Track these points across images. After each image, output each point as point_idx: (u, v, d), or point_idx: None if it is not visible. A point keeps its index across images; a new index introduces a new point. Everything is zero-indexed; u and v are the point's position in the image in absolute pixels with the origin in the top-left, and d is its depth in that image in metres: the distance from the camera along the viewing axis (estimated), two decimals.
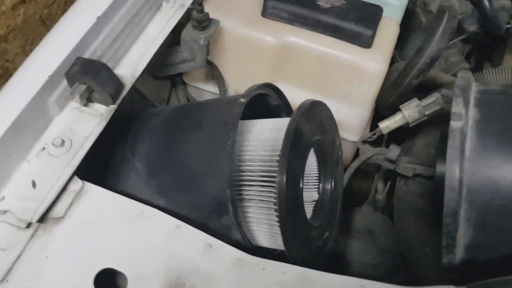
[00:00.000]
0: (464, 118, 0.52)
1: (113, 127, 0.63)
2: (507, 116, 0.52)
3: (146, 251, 0.50)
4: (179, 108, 0.72)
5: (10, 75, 0.98)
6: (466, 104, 0.53)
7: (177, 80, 0.90)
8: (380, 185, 0.84)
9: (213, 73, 0.83)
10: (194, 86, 0.90)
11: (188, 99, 0.91)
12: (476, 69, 1.19)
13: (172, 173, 0.63)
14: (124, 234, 0.51)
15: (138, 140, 0.67)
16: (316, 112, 0.64)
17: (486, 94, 0.55)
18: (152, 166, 0.64)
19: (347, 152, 0.84)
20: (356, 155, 0.82)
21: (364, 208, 0.82)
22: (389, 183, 0.83)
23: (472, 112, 0.53)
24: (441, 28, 0.75)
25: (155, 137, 0.67)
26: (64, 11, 0.65)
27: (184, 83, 0.90)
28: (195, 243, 0.51)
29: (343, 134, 0.80)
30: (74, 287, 0.48)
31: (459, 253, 0.51)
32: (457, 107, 0.52)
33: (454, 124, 0.51)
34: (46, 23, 1.27)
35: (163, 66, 0.78)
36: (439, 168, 0.56)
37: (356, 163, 0.78)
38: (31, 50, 1.06)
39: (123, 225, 0.52)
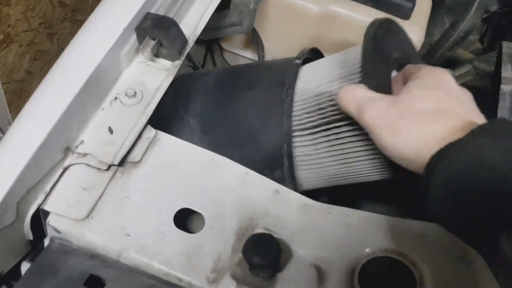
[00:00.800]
0: None
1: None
2: None
3: (220, 194, 0.54)
4: (232, 68, 0.76)
5: (12, 40, 0.98)
6: None
7: (214, 45, 0.93)
8: None
9: (254, 38, 0.86)
10: (231, 52, 0.93)
11: (225, 64, 0.94)
12: (488, 49, 1.25)
13: (226, 129, 0.67)
14: (198, 178, 0.55)
15: (192, 98, 0.70)
16: (393, 30, 0.56)
17: None
18: (206, 123, 0.67)
19: None
20: None
21: None
22: None
23: None
24: (476, 3, 0.79)
25: (208, 95, 0.70)
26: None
27: (221, 48, 0.93)
28: (264, 188, 0.55)
29: None
30: (155, 224, 0.51)
31: None
32: (506, 72, 0.57)
33: (505, 87, 0.56)
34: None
35: (211, 29, 0.81)
36: None
37: None
38: (32, 17, 1.06)
39: (196, 170, 0.55)
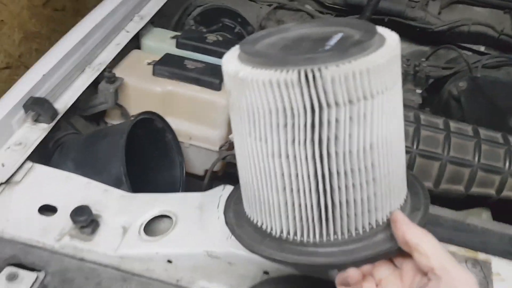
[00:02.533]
0: None
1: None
2: None
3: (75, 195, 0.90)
4: (96, 129, 1.15)
5: None
6: None
7: (100, 120, 1.33)
8: None
9: (122, 111, 1.27)
10: (111, 123, 1.33)
11: None
12: None
13: (89, 164, 1.04)
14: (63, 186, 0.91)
15: (69, 148, 1.08)
16: None
17: None
18: (77, 161, 1.05)
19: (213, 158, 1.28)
20: None
21: None
22: None
23: None
24: None
25: (80, 145, 1.09)
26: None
27: (105, 122, 1.33)
28: (99, 188, 0.91)
29: (209, 146, 1.25)
30: (23, 215, 0.86)
31: None
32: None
33: None
34: None
35: (88, 107, 1.21)
36: None
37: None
38: None
39: (57, 183, 0.92)
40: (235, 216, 0.67)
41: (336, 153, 0.52)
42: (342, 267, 0.55)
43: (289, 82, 0.49)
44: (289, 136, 0.51)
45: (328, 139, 0.51)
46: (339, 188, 0.54)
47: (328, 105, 0.50)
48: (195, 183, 1.32)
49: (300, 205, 0.56)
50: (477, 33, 1.57)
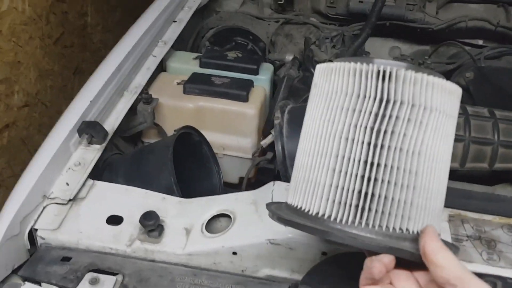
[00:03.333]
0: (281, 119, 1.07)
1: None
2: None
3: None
4: (141, 147, 1.24)
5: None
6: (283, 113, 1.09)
7: (138, 142, 1.42)
8: None
9: (158, 130, 1.36)
10: (149, 142, 1.42)
11: None
12: None
13: (139, 179, 1.13)
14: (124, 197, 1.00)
15: (118, 166, 1.17)
16: None
17: (292, 109, 1.11)
18: (127, 177, 1.14)
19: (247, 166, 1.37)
20: None
21: None
22: None
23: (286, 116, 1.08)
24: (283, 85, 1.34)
25: (128, 162, 1.18)
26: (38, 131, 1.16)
27: (143, 142, 1.42)
28: (158, 197, 1.00)
29: (242, 154, 1.34)
30: (93, 227, 0.94)
31: None
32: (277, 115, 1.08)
33: (276, 121, 1.06)
34: (25, 142, 1.78)
35: (129, 128, 1.30)
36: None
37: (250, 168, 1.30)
38: (15, 165, 1.56)
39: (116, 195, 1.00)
40: (277, 207, 0.72)
41: (389, 146, 0.60)
42: (367, 247, 0.58)
43: (369, 73, 0.59)
44: (354, 119, 0.61)
45: (385, 131, 0.60)
46: (382, 180, 0.59)
47: (395, 101, 0.59)
48: (230, 192, 1.40)
49: (343, 188, 0.62)
50: (475, 28, 1.68)
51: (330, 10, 1.86)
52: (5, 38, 1.75)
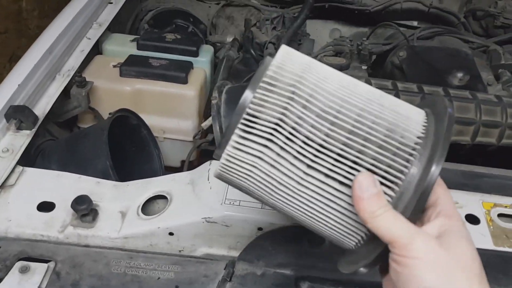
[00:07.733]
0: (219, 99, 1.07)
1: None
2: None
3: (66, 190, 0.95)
4: (75, 132, 1.20)
5: None
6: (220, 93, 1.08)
7: (73, 126, 1.37)
8: None
9: (95, 115, 1.32)
10: (84, 127, 1.37)
11: None
12: None
13: (74, 163, 1.09)
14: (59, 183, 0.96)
15: (51, 152, 1.13)
16: None
17: (230, 89, 1.11)
18: (61, 163, 1.10)
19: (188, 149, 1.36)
20: None
21: None
22: None
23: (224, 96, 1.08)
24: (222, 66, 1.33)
25: (60, 148, 1.13)
26: None
27: (79, 127, 1.38)
28: (92, 181, 0.97)
29: (183, 137, 1.32)
30: (24, 213, 0.91)
31: None
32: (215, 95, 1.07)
33: (213, 101, 1.05)
34: None
35: (62, 113, 1.25)
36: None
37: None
38: None
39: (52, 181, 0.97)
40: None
41: None
42: None
43: None
44: None
45: None
46: None
47: None
48: None
49: None
50: (409, 10, 1.74)
51: None
52: None
